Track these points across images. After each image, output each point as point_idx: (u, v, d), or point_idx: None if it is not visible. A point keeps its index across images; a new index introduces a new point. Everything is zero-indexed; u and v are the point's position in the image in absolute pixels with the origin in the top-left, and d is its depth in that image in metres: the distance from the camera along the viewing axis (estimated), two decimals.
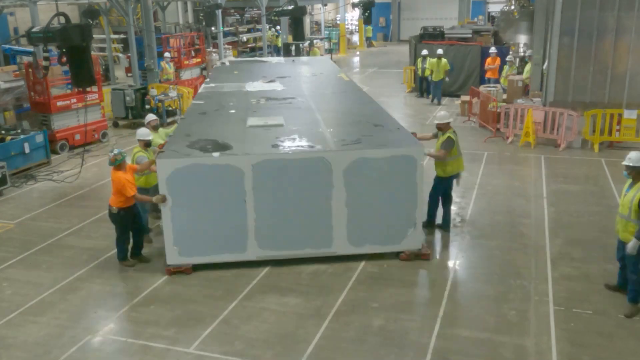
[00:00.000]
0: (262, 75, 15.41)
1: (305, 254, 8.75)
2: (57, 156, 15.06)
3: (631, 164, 7.28)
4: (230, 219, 8.42)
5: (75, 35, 5.37)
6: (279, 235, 8.61)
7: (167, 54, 22.25)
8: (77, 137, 15.81)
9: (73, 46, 5.41)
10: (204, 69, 25.61)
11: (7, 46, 25.00)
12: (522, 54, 21.61)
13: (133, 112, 18.31)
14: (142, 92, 18.53)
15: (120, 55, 30.47)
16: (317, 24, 44.65)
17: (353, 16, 45.30)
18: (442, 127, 9.66)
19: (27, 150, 13.67)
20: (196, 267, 8.68)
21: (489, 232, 9.91)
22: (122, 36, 32.09)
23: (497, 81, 20.39)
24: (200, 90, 13.85)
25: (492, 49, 21.01)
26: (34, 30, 5.41)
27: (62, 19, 5.38)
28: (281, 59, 20.95)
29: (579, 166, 13.51)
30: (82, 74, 5.46)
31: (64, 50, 5.43)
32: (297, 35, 10.11)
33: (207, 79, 16.37)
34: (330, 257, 8.78)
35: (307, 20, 44.74)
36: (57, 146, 15.29)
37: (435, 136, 9.91)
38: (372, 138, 9.12)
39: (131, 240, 8.94)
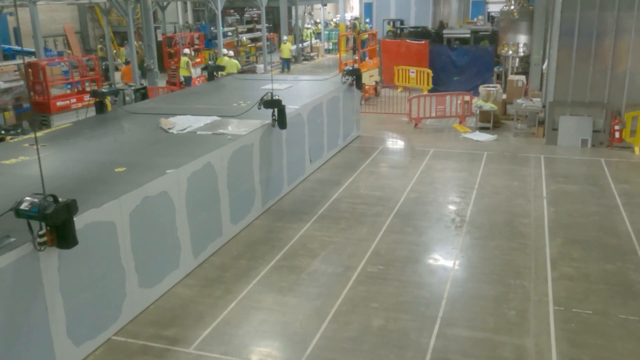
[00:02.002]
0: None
1: None
2: None
3: None
4: None
5: (64, 214, 5.82)
6: None
7: (186, 50, 22.46)
8: None
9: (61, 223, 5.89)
10: (204, 68, 25.65)
11: (7, 46, 25.03)
12: (521, 53, 21.68)
13: None
14: (142, 92, 18.53)
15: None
16: (317, 23, 44.65)
17: (354, 16, 45.32)
18: None
19: None
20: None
21: (489, 232, 9.91)
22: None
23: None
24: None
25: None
26: (22, 207, 5.73)
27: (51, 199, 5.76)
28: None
29: (579, 166, 13.51)
30: (67, 238, 5.94)
31: (50, 226, 5.89)
32: (281, 124, 10.70)
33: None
34: None
35: (306, 19, 44.78)
36: None
37: None
38: None
39: None
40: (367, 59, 22.33)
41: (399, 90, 21.79)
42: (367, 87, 20.96)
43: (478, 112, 16.92)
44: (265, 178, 10.88)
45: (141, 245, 7.56)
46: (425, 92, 20.24)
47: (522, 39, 21.37)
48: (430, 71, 21.85)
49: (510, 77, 19.83)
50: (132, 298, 7.48)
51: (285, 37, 31.53)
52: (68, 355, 6.49)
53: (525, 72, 20.73)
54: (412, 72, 22.29)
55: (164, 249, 8.10)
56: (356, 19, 22.42)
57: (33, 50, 21.04)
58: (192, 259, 8.73)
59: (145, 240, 7.65)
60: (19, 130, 14.40)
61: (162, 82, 23.36)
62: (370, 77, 21.83)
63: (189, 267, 8.65)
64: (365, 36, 22.20)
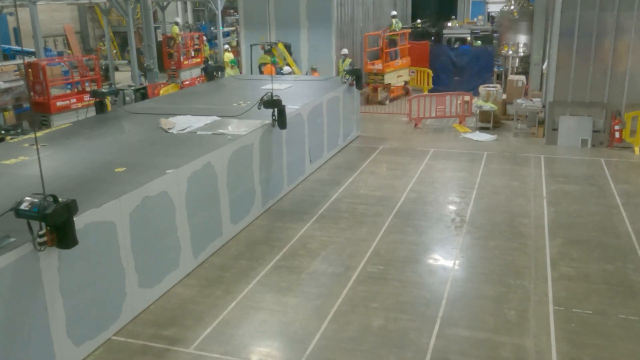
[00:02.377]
0: None
1: None
2: None
3: None
4: None
5: (64, 214, 5.86)
6: None
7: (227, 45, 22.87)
8: None
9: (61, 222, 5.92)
10: (204, 68, 25.71)
11: (7, 46, 25.05)
12: (521, 53, 21.70)
13: None
14: (142, 92, 18.54)
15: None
16: None
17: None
18: None
19: None
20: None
21: (489, 232, 9.91)
22: None
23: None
24: None
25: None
26: (22, 207, 5.74)
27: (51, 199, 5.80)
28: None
29: (579, 166, 13.52)
30: (67, 238, 6.03)
31: (50, 226, 5.94)
32: (281, 124, 10.78)
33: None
34: None
35: None
36: None
37: None
38: None
39: None
40: (397, 59, 21.83)
41: None
42: (392, 87, 20.92)
43: (478, 112, 16.92)
44: (265, 178, 10.88)
45: (141, 245, 7.57)
46: (426, 92, 20.25)
47: (522, 39, 21.39)
48: (430, 71, 21.84)
49: (510, 77, 19.84)
50: (132, 298, 7.48)
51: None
52: (68, 355, 6.49)
53: (525, 72, 20.75)
54: (412, 72, 22.28)
55: (164, 249, 8.10)
56: (394, 16, 21.87)
57: (33, 50, 21.04)
58: (192, 259, 8.73)
59: (145, 240, 7.65)
60: (19, 130, 14.39)
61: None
62: (398, 77, 21.50)
63: (189, 267, 8.66)
64: (395, 36, 21.65)
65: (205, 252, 9.09)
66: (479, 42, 23.15)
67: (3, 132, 14.27)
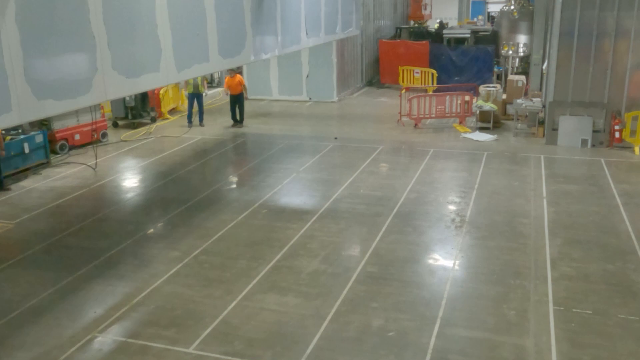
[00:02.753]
0: None
1: None
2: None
3: None
4: None
5: None
6: None
7: None
8: (77, 137, 15.80)
9: None
10: None
11: None
12: (521, 53, 21.71)
13: (133, 112, 18.33)
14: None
15: None
16: None
17: None
18: None
19: (26, 151, 13.66)
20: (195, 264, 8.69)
21: (488, 232, 9.91)
22: None
23: None
24: None
25: None
26: None
27: None
28: None
29: (579, 166, 13.52)
30: None
31: None
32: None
33: None
34: None
35: None
36: (57, 146, 15.26)
37: None
38: None
39: None
40: None
41: (403, 91, 21.80)
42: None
43: (478, 112, 16.93)
44: (257, 26, 10.32)
45: (114, 20, 6.85)
46: (431, 93, 20.24)
47: (522, 39, 21.42)
48: (435, 72, 21.82)
49: (510, 77, 19.85)
50: (105, 78, 6.83)
51: None
52: (27, 105, 5.91)
53: (525, 72, 20.76)
54: (417, 73, 22.25)
55: (141, 40, 7.46)
56: None
57: None
58: (174, 71, 8.26)
59: (118, 17, 6.93)
60: (19, 131, 14.38)
61: None
62: None
63: (171, 78, 8.17)
64: None
65: (190, 70, 8.62)
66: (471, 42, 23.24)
67: (3, 131, 14.24)
